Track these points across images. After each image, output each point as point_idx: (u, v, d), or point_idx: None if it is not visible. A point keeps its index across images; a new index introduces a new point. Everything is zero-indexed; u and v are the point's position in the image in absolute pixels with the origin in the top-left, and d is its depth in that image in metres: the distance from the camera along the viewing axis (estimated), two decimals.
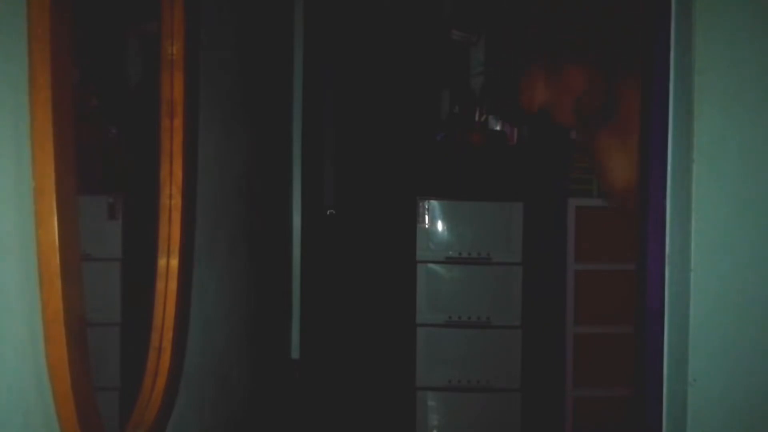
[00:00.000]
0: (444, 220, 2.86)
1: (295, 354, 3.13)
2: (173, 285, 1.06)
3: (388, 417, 2.92)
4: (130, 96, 1.09)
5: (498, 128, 2.95)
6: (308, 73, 3.10)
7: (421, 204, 2.84)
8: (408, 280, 2.85)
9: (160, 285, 1.06)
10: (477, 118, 2.98)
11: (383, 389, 3.00)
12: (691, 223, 1.27)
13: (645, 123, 1.37)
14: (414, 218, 2.84)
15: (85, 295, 0.84)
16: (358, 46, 3.27)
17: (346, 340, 3.20)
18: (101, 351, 0.97)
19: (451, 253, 2.84)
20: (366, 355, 3.16)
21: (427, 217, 2.84)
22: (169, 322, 1.00)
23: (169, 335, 0.99)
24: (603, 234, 2.59)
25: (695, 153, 1.22)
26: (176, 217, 0.99)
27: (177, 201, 0.99)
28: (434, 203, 2.84)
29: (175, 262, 1.06)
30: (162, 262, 1.06)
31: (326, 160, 3.29)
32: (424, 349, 2.83)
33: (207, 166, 1.36)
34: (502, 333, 2.84)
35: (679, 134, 1.30)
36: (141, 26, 1.10)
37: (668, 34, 1.18)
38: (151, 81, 1.00)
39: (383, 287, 3.15)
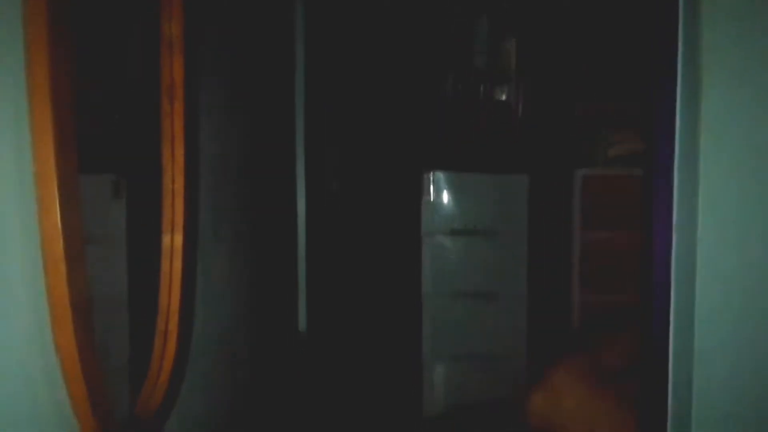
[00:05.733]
0: (450, 193, 2.85)
1: (302, 326, 3.16)
2: (178, 264, 1.06)
3: (396, 387, 2.96)
4: (131, 76, 1.08)
5: (503, 99, 2.92)
6: (311, 47, 3.06)
7: (426, 177, 2.83)
8: (413, 253, 2.86)
9: (164, 264, 1.06)
10: (482, 91, 2.94)
11: (390, 359, 3.03)
12: (698, 195, 1.26)
13: (652, 96, 1.35)
14: (419, 191, 2.83)
15: (92, 275, 0.85)
16: (361, 19, 3.22)
17: (352, 312, 3.22)
18: (110, 331, 0.98)
19: (456, 225, 2.84)
20: (373, 327, 3.18)
21: (432, 189, 2.83)
22: (175, 304, 1.01)
23: (174, 318, 1.00)
24: (610, 202, 2.58)
25: (702, 125, 1.21)
26: (179, 195, 0.99)
27: (179, 181, 0.98)
28: (440, 175, 2.83)
29: (179, 240, 1.06)
30: (166, 239, 1.05)
31: (330, 133, 3.27)
32: (429, 320, 2.85)
33: (209, 142, 1.35)
34: (508, 304, 2.85)
35: (686, 105, 1.29)
36: (141, 6, 1.08)
37: (676, 9, 1.16)
38: (153, 62, 0.98)
39: (390, 260, 3.16)
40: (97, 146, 1.00)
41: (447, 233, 2.84)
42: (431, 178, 2.83)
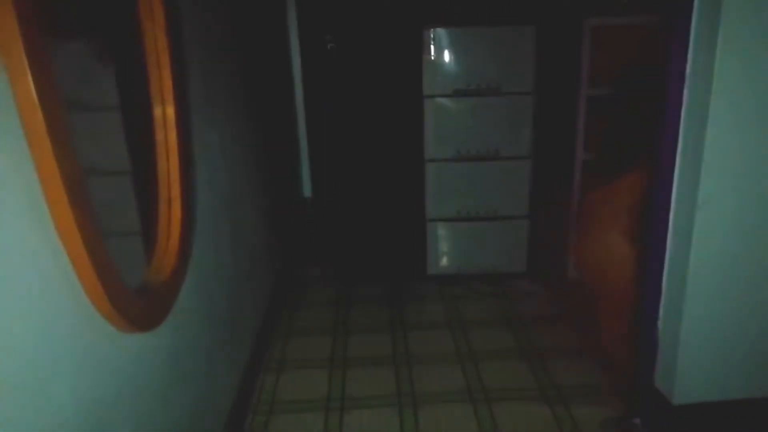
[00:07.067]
0: (452, 51, 2.72)
1: (306, 193, 3.18)
2: (172, 133, 1.02)
3: (399, 246, 3.03)
4: None
5: None
6: None
7: (426, 34, 2.68)
8: (416, 116, 2.79)
9: (159, 134, 1.02)
10: None
11: (394, 221, 3.08)
12: (711, 91, 1.31)
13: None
14: (420, 50, 2.70)
15: (88, 147, 0.82)
16: None
17: (354, 178, 3.22)
18: (117, 199, 0.96)
19: (459, 85, 2.74)
20: (376, 191, 3.19)
21: (433, 47, 2.70)
22: (175, 172, 0.99)
23: (176, 185, 0.98)
24: (620, 54, 2.46)
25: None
26: (165, 64, 0.92)
27: (163, 44, 0.92)
28: (441, 32, 2.68)
29: (171, 111, 1.01)
30: (158, 111, 1.01)
31: None
32: (433, 184, 2.85)
33: (193, 9, 1.25)
34: (511, 164, 2.84)
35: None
36: None
37: None
38: None
39: (391, 124, 3.09)
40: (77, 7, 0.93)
41: (449, 94, 2.75)
42: (432, 35, 2.68)
